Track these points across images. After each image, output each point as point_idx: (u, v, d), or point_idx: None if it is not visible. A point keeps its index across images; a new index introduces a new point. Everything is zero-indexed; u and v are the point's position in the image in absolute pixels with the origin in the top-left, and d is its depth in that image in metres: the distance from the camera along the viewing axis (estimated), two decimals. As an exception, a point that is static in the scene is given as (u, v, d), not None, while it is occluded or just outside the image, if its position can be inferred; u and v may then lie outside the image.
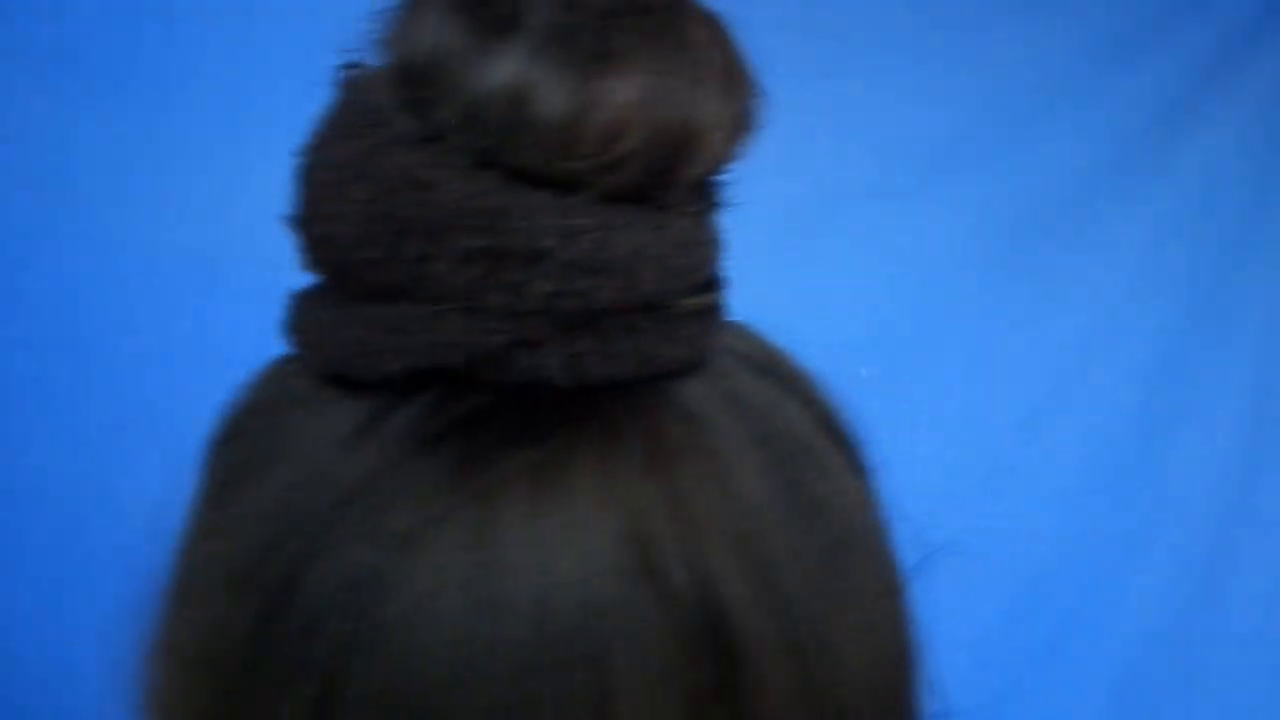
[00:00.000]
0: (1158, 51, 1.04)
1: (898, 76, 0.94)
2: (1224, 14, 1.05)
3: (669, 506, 0.24)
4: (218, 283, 0.78)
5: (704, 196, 0.27)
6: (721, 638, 0.23)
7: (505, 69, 0.23)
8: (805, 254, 0.95)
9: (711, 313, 0.28)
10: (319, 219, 0.26)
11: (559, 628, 0.23)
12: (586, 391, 0.25)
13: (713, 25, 0.26)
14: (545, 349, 0.25)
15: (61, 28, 0.76)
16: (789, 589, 0.25)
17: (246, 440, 0.29)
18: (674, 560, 0.23)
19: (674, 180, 0.24)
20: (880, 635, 0.27)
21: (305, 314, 0.28)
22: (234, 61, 0.79)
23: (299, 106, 0.93)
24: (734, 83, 0.25)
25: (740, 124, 0.26)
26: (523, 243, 0.23)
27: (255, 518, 0.26)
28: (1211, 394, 1.04)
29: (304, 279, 0.29)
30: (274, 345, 0.90)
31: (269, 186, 0.92)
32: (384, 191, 0.24)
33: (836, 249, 0.96)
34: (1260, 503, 1.05)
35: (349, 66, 0.28)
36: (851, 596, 0.26)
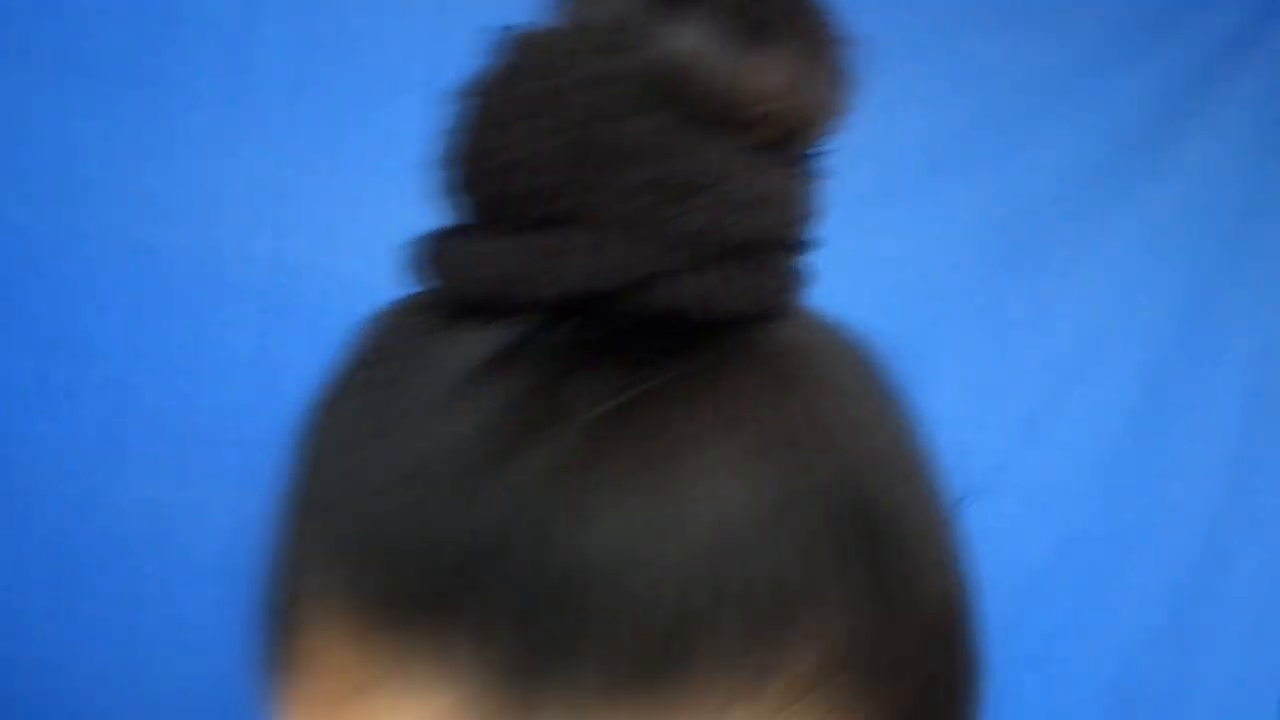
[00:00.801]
0: (1158, 51, 1.04)
1: (895, 78, 0.94)
2: (1224, 14, 1.05)
3: (815, 427, 0.26)
4: (218, 283, 0.78)
5: (812, 159, 0.30)
6: (876, 547, 0.26)
7: (685, 39, 0.26)
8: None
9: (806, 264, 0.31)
10: (497, 151, 0.27)
11: (736, 548, 0.23)
12: (713, 324, 0.27)
13: (828, 15, 0.30)
14: (684, 280, 0.27)
15: (62, 27, 0.76)
16: (914, 505, 0.28)
17: (376, 381, 0.29)
18: (831, 475, 0.26)
19: (804, 139, 0.28)
20: (957, 559, 0.30)
21: (451, 247, 0.29)
22: (234, 62, 0.79)
23: (297, 107, 0.94)
24: (842, 65, 0.30)
25: (844, 100, 0.30)
26: (686, 178, 0.26)
27: (394, 463, 0.26)
28: (1209, 395, 1.04)
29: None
30: (273, 345, 0.90)
31: (267, 186, 0.93)
32: (570, 124, 0.26)
33: (834, 250, 0.96)
34: (1258, 503, 1.05)
35: (508, 29, 0.30)
36: (943, 515, 0.29)
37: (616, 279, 0.26)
